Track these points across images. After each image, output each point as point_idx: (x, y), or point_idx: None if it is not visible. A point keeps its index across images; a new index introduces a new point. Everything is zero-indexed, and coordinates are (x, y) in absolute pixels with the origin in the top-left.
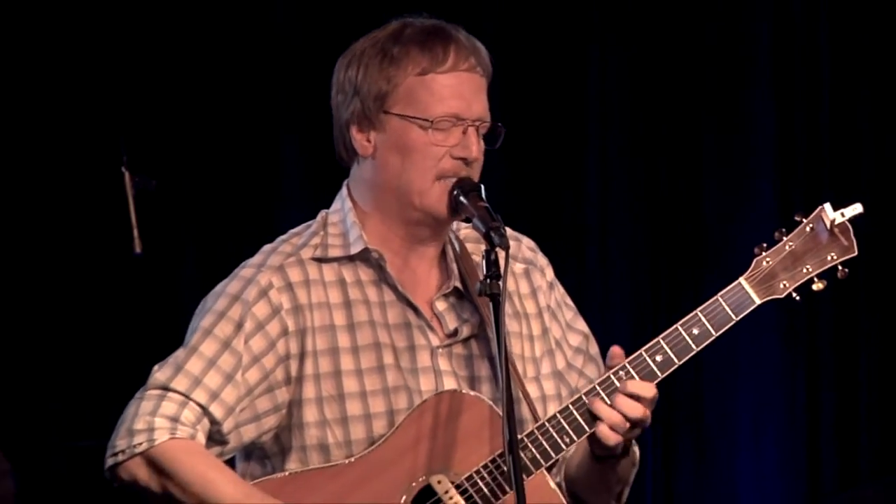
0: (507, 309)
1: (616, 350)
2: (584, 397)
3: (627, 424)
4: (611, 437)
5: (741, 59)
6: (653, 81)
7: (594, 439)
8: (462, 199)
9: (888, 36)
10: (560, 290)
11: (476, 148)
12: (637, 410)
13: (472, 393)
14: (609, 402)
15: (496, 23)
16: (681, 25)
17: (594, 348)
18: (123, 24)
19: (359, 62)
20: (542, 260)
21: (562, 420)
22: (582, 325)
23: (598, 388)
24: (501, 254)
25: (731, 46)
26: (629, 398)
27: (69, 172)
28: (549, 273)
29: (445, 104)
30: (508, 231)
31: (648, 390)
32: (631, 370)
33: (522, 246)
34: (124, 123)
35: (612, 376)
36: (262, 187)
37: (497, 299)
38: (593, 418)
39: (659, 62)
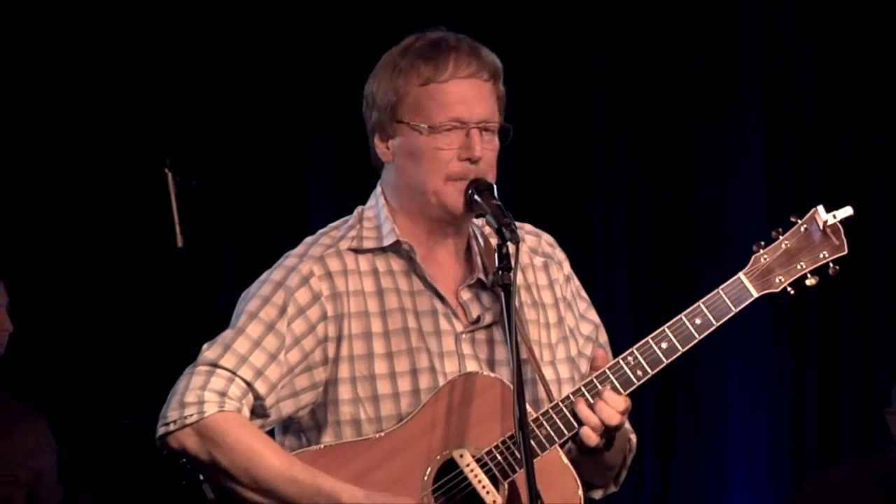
0: (526, 299)
1: (600, 353)
2: (595, 380)
3: (600, 427)
4: (592, 439)
5: (732, 72)
6: (651, 92)
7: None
8: (476, 197)
9: (866, 47)
10: (576, 282)
11: (479, 147)
12: (613, 417)
13: (491, 375)
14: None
15: (511, 33)
16: (676, 42)
17: (603, 337)
18: (167, 42)
19: (376, 76)
20: (560, 255)
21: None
22: (594, 315)
23: (582, 389)
24: (512, 248)
25: (722, 60)
26: (609, 405)
27: (119, 175)
28: (567, 267)
29: (448, 110)
30: (529, 227)
31: (620, 402)
32: (631, 362)
33: (542, 241)
34: (167, 130)
35: (594, 379)
36: (292, 187)
37: (508, 289)
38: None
39: (657, 75)
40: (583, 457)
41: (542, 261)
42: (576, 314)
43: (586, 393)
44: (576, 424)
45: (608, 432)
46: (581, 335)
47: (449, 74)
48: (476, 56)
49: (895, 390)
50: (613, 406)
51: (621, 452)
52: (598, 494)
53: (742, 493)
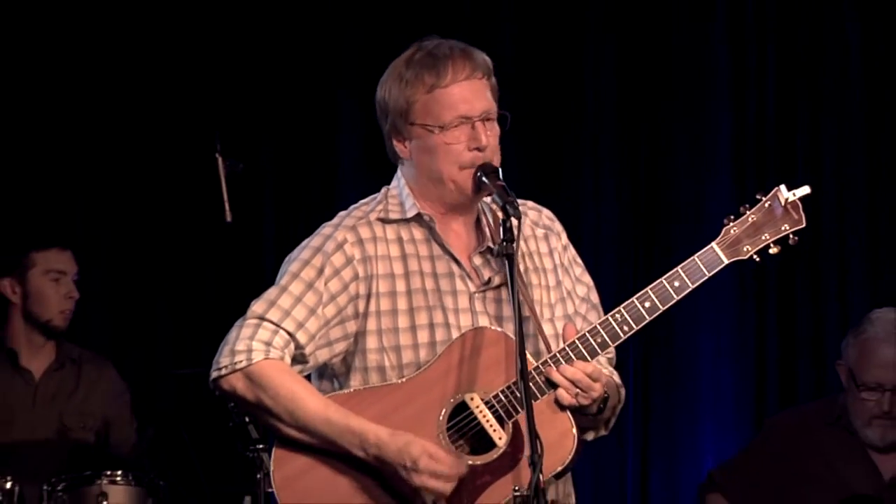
0: (529, 265)
1: (569, 328)
2: (588, 335)
3: (575, 390)
4: (569, 399)
5: (703, 75)
6: (636, 91)
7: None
8: (484, 179)
9: (819, 51)
10: (572, 251)
11: (484, 137)
12: (579, 375)
13: (498, 329)
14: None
15: (514, 35)
16: (656, 49)
17: (595, 297)
18: (221, 49)
19: (386, 87)
20: (558, 227)
21: (569, 351)
22: (588, 279)
23: (557, 355)
24: (515, 222)
25: (694, 65)
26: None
27: (178, 159)
28: (564, 238)
29: (452, 110)
30: (532, 203)
31: (586, 367)
32: (618, 319)
33: (543, 215)
34: (218, 122)
35: (566, 348)
36: (324, 170)
37: (511, 258)
38: (591, 353)
39: (640, 78)
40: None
41: (542, 232)
42: (572, 278)
43: (579, 346)
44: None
45: (582, 393)
46: (577, 296)
47: (449, 80)
48: (469, 59)
49: (844, 344)
50: (581, 368)
51: (617, 402)
52: (589, 437)
53: (711, 434)
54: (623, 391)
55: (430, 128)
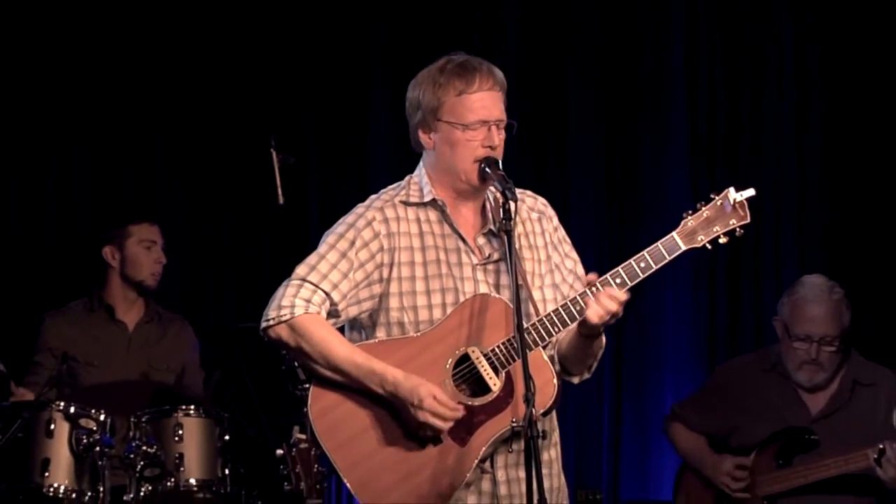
0: (523, 243)
1: (591, 277)
2: (570, 303)
3: (606, 314)
4: (595, 318)
5: (665, 81)
6: (611, 95)
7: (583, 322)
8: (487, 169)
9: (762, 60)
10: (562, 231)
11: (497, 138)
12: (613, 305)
13: (497, 295)
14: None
15: (516, 38)
16: (626, 57)
17: (580, 270)
18: (278, 58)
19: (421, 87)
20: (550, 212)
21: (553, 316)
22: (574, 255)
23: (588, 290)
24: (512, 204)
25: (659, 71)
26: (609, 298)
27: (241, 154)
28: (555, 220)
29: (475, 113)
30: (530, 192)
31: (622, 295)
32: (602, 285)
33: (538, 202)
34: (273, 123)
35: (598, 284)
36: (358, 163)
37: (510, 235)
38: (577, 314)
39: (614, 82)
40: (579, 343)
41: (536, 216)
42: (561, 254)
43: (598, 286)
44: (553, 332)
45: (611, 317)
46: (565, 268)
47: (476, 88)
48: (492, 75)
49: (780, 303)
50: (617, 295)
51: (600, 348)
52: (575, 380)
53: (672, 377)
54: (604, 339)
55: (456, 125)
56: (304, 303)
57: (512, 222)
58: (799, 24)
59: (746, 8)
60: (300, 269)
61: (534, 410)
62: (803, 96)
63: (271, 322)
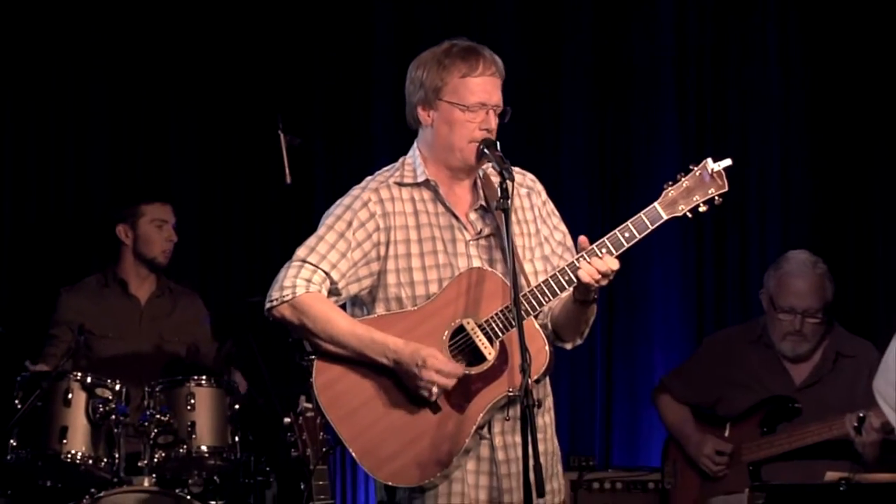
0: (515, 218)
1: (583, 239)
2: (559, 273)
3: (599, 276)
4: (588, 279)
5: (655, 61)
6: (603, 74)
7: (578, 287)
8: (485, 150)
9: (746, 43)
10: (550, 205)
11: (494, 122)
12: (604, 266)
13: (489, 269)
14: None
15: (511, 37)
16: (618, 39)
17: (569, 242)
18: (283, 46)
19: (425, 66)
20: (539, 187)
21: (543, 286)
22: (563, 227)
23: (575, 261)
24: (509, 184)
25: (649, 52)
26: (601, 262)
27: (250, 135)
28: (544, 195)
29: (476, 96)
30: (518, 169)
31: (613, 263)
32: (587, 255)
33: (527, 178)
34: (281, 106)
35: (584, 254)
36: (361, 145)
37: (507, 212)
38: (567, 284)
39: (607, 62)
40: (572, 309)
41: (526, 191)
42: (550, 227)
43: (585, 256)
44: (544, 301)
45: (602, 278)
46: (554, 240)
47: (479, 72)
48: (494, 61)
49: (766, 277)
50: (609, 263)
51: (593, 314)
52: (568, 346)
53: (661, 349)
54: (595, 307)
55: (457, 105)
56: (305, 282)
57: (509, 201)
58: (782, 7)
59: None
60: (300, 251)
61: (529, 379)
62: (786, 79)
63: (275, 303)
